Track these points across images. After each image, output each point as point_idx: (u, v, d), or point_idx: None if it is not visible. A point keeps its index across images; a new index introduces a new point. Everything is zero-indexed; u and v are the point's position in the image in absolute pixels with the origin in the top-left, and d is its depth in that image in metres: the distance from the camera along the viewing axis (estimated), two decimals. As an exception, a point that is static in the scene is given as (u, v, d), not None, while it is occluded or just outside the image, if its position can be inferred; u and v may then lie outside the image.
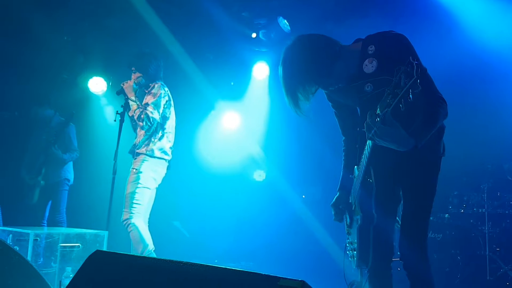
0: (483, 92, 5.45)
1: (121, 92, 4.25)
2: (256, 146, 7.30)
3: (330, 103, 2.68)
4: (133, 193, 4.01)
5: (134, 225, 3.96)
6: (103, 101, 6.73)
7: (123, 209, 4.05)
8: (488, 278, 4.98)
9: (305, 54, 2.30)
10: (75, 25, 6.03)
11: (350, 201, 2.61)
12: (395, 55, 2.22)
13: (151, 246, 3.99)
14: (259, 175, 7.47)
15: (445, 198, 5.62)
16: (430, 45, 4.82)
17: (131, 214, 3.99)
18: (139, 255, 3.81)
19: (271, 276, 1.16)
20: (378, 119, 1.93)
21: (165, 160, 4.22)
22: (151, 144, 4.12)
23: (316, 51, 2.30)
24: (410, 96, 1.73)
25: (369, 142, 2.14)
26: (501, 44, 5.05)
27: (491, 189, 5.33)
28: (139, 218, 4.03)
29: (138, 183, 4.03)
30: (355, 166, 2.51)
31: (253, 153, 7.28)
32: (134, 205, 4.00)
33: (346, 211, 2.65)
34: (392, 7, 5.36)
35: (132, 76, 4.29)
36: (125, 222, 4.00)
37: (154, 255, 3.97)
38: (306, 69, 2.30)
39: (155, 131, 4.15)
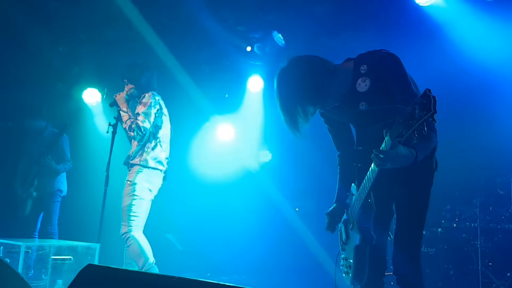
0: (475, 107, 5.51)
1: (114, 104, 4.24)
2: (251, 159, 7.30)
3: (322, 119, 2.69)
4: (130, 205, 3.96)
5: (134, 238, 3.89)
6: (97, 112, 6.72)
7: (121, 223, 3.99)
8: (480, 292, 4.98)
9: (301, 77, 2.29)
10: (70, 36, 6.04)
11: (346, 217, 2.60)
12: (387, 75, 2.25)
13: (151, 259, 3.91)
14: (265, 156, 7.48)
15: (438, 213, 5.64)
16: (422, 59, 4.88)
17: (130, 227, 3.92)
18: (138, 269, 3.77)
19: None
20: (390, 150, 1.92)
21: (160, 170, 4.17)
22: (144, 154, 4.08)
23: (312, 73, 2.30)
24: (425, 129, 1.72)
25: (374, 168, 2.14)
26: (494, 60, 5.12)
27: (483, 204, 5.35)
28: (139, 231, 3.97)
29: (134, 195, 3.98)
30: (353, 185, 2.50)
31: (248, 165, 7.28)
32: (132, 218, 3.95)
33: (341, 225, 2.65)
34: (385, 22, 5.43)
35: (125, 88, 4.28)
36: (124, 235, 3.93)
37: (155, 268, 3.91)
38: (304, 92, 2.29)
39: (148, 141, 4.12)
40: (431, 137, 2.15)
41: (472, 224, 5.35)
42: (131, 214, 3.96)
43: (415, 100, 1.74)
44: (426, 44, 5.39)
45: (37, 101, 5.77)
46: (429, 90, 1.70)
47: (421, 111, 1.69)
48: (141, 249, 3.88)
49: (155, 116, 4.13)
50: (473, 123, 5.56)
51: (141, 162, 4.05)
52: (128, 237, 3.91)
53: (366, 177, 2.25)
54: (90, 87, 6.49)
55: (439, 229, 5.48)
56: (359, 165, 2.38)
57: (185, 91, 6.44)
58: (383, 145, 1.96)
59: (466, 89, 5.44)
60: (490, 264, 5.16)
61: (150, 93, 4.18)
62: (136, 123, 4.00)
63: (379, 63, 2.30)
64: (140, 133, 4.02)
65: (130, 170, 4.11)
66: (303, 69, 2.32)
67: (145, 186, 4.06)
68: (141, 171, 4.04)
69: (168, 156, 4.31)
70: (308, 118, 2.34)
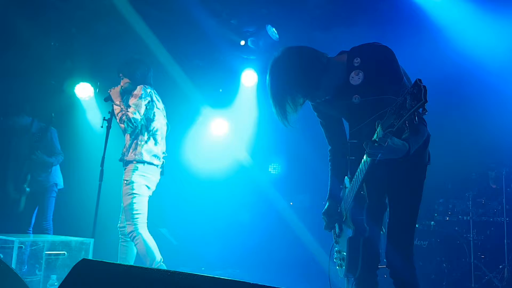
0: (468, 102, 5.54)
1: (108, 98, 4.21)
2: (245, 153, 7.31)
3: (315, 113, 2.69)
4: (131, 204, 3.95)
5: (141, 236, 3.90)
6: (90, 106, 6.69)
7: (125, 223, 3.99)
8: (473, 285, 5.03)
9: (293, 67, 2.30)
10: (62, 30, 5.99)
11: (339, 210, 2.61)
12: (381, 67, 2.25)
13: (158, 257, 3.91)
14: (273, 168, 7.55)
15: (431, 206, 5.69)
16: (415, 54, 4.89)
17: (136, 226, 3.92)
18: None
19: (259, 285, 1.16)
20: (377, 139, 1.92)
21: (156, 166, 4.14)
22: (138, 148, 4.04)
23: (304, 64, 2.30)
24: (416, 118, 1.72)
25: (366, 160, 2.14)
26: (487, 55, 5.14)
27: (475, 197, 5.41)
28: (144, 228, 3.98)
29: (133, 193, 3.97)
30: (347, 178, 2.51)
31: (241, 159, 7.28)
32: (136, 216, 3.95)
33: (336, 220, 2.66)
34: (378, 16, 5.44)
35: (121, 82, 4.27)
36: (130, 234, 3.93)
37: (163, 266, 3.90)
38: (295, 82, 2.29)
39: (140, 133, 4.08)
40: (421, 130, 2.17)
41: (465, 217, 5.40)
42: (134, 212, 3.95)
43: (406, 90, 1.74)
44: (420, 38, 5.40)
45: (28, 96, 5.72)
46: (419, 80, 1.69)
47: (412, 100, 1.68)
48: (147, 249, 3.89)
49: (146, 108, 4.10)
50: (467, 117, 5.59)
51: (136, 157, 4.01)
52: (135, 236, 3.92)
53: (358, 169, 2.26)
54: (83, 81, 6.45)
55: (432, 222, 5.53)
56: (353, 158, 2.39)
57: (178, 86, 6.42)
58: (374, 136, 1.97)
59: (460, 84, 5.46)
60: (483, 256, 5.21)
61: (141, 86, 4.15)
62: (126, 115, 3.97)
63: (373, 56, 2.29)
64: (131, 125, 3.99)
65: (125, 168, 4.07)
66: (295, 59, 2.32)
67: (142, 183, 4.04)
68: (136, 169, 4.01)
69: (164, 150, 4.29)
70: (297, 108, 2.34)
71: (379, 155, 1.98)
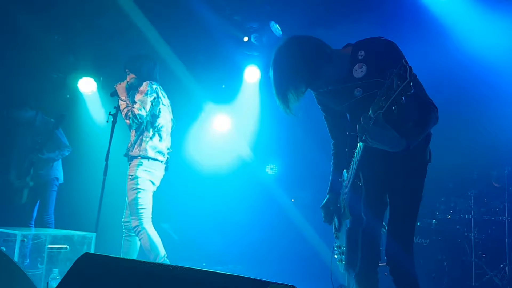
0: (471, 100, 5.53)
1: (114, 93, 4.23)
2: (247, 149, 7.31)
3: (319, 107, 2.70)
4: (136, 199, 3.98)
5: (145, 231, 3.92)
6: (93, 101, 6.69)
7: (130, 218, 4.02)
8: (473, 283, 5.04)
9: (296, 55, 2.32)
10: (66, 25, 5.99)
11: (339, 204, 2.62)
12: (385, 61, 2.25)
13: (162, 253, 3.94)
14: (270, 169, 7.58)
15: (432, 204, 5.68)
16: (419, 52, 4.87)
17: (140, 220, 3.95)
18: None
19: (260, 280, 1.17)
20: (370, 121, 1.95)
21: (161, 161, 4.16)
22: (143, 144, 4.06)
23: (307, 52, 2.33)
24: (403, 98, 1.75)
25: (360, 145, 2.15)
26: (490, 54, 5.12)
27: (477, 196, 5.40)
28: (149, 223, 4.00)
29: (137, 188, 3.99)
30: (345, 170, 2.52)
31: (243, 155, 7.29)
32: (140, 211, 3.97)
33: (335, 214, 2.67)
34: (382, 13, 5.42)
35: (127, 78, 4.28)
36: (135, 229, 3.97)
37: (167, 262, 3.92)
38: (297, 70, 2.31)
39: (146, 129, 4.10)
40: (424, 118, 2.17)
41: (466, 216, 5.40)
42: (139, 207, 3.98)
43: (393, 71, 1.76)
44: (425, 37, 5.37)
45: (31, 89, 5.73)
46: (405, 61, 1.75)
47: (399, 80, 1.73)
48: (152, 244, 3.92)
49: (151, 104, 4.11)
50: (469, 115, 5.58)
51: (141, 153, 4.04)
52: (139, 231, 3.95)
53: (353, 157, 2.28)
54: (86, 76, 6.45)
55: (434, 221, 5.53)
56: (353, 150, 2.40)
57: (181, 81, 6.41)
58: (369, 113, 1.99)
59: (462, 82, 5.45)
60: (484, 255, 5.21)
61: (147, 82, 4.16)
62: (132, 111, 3.99)
63: (377, 49, 2.31)
64: (136, 121, 4.01)
65: (130, 163, 4.10)
66: (298, 47, 2.35)
67: (147, 178, 4.06)
68: (141, 164, 4.04)
69: (169, 146, 4.30)
70: (299, 96, 2.36)
71: (367, 134, 1.98)
